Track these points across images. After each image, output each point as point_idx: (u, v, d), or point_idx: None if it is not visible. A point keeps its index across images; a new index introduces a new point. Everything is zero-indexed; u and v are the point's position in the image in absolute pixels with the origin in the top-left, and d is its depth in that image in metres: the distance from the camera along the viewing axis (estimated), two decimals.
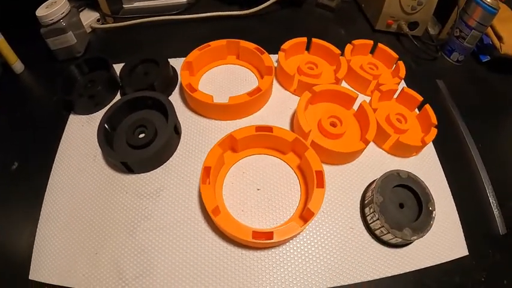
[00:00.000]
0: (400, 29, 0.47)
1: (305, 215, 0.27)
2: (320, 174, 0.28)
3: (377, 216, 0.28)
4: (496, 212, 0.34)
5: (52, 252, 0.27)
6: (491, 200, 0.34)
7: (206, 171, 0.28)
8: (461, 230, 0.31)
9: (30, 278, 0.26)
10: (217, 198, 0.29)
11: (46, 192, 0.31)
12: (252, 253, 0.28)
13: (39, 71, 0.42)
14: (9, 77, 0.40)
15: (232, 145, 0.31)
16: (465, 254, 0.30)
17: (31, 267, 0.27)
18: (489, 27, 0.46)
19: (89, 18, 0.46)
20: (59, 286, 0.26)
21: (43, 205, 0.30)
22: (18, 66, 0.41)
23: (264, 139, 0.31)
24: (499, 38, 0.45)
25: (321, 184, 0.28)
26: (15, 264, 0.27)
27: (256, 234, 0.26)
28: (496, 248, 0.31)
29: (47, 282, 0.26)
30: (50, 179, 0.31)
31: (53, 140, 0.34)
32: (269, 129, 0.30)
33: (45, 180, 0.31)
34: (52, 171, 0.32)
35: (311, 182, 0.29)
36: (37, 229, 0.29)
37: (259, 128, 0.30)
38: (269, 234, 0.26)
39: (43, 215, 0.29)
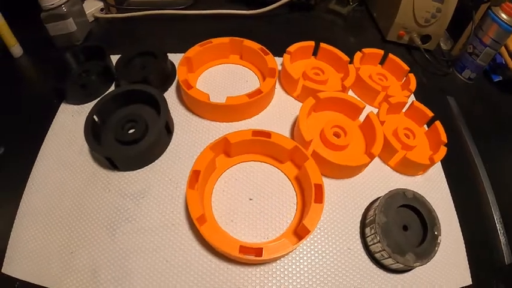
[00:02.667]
0: (411, 41, 0.46)
1: (299, 232, 0.25)
2: (319, 188, 0.26)
3: (378, 238, 0.26)
4: (502, 239, 0.31)
5: (27, 247, 0.26)
6: (498, 226, 0.32)
7: (195, 175, 0.26)
8: (466, 257, 0.29)
9: (2, 271, 0.25)
10: (205, 205, 0.27)
11: (28, 182, 0.29)
12: (239, 268, 0.25)
13: (37, 57, 0.41)
14: (7, 61, 0.40)
15: (226, 149, 0.29)
16: (468, 284, 0.28)
17: (5, 260, 0.25)
18: (503, 46, 0.44)
19: (92, 6, 0.45)
20: (31, 284, 0.24)
21: (23, 196, 0.28)
22: (17, 50, 0.40)
23: (261, 145, 0.29)
24: None
25: (319, 199, 0.26)
26: None
27: (244, 249, 0.23)
28: (501, 278, 0.29)
29: (19, 278, 0.24)
30: (33, 168, 0.30)
31: (43, 127, 0.33)
32: (267, 134, 0.28)
33: (29, 169, 0.30)
34: (37, 160, 0.31)
35: (309, 195, 0.27)
36: (14, 221, 0.27)
37: (256, 133, 0.28)
38: (258, 251, 0.23)
39: (22, 207, 0.28)
